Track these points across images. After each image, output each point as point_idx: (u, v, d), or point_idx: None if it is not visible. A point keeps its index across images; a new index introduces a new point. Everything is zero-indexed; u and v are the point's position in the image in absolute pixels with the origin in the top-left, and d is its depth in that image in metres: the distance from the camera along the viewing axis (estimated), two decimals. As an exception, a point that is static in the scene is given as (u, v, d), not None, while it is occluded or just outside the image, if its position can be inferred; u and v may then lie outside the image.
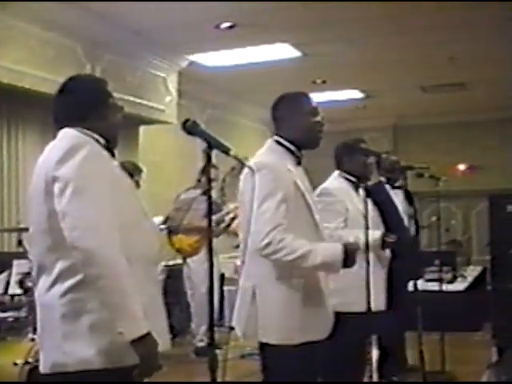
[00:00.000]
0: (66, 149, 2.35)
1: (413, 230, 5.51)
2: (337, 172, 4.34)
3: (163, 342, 2.43)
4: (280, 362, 3.19)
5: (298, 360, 3.14)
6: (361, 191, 4.05)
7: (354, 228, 3.97)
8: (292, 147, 3.29)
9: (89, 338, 2.29)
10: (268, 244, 3.03)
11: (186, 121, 2.24)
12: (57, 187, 2.30)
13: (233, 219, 7.12)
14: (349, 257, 3.12)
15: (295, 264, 3.07)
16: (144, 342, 2.24)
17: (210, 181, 2.23)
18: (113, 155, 2.57)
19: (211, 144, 2.18)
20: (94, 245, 2.22)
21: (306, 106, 3.34)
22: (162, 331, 2.50)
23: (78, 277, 2.30)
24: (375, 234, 4.00)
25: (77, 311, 2.30)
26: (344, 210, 4.04)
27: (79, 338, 2.29)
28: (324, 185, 4.15)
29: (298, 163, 3.32)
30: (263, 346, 3.25)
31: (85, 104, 2.55)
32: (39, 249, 2.39)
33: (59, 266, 2.34)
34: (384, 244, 4.05)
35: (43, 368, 2.38)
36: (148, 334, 2.25)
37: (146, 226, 2.53)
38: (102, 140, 2.53)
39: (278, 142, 3.30)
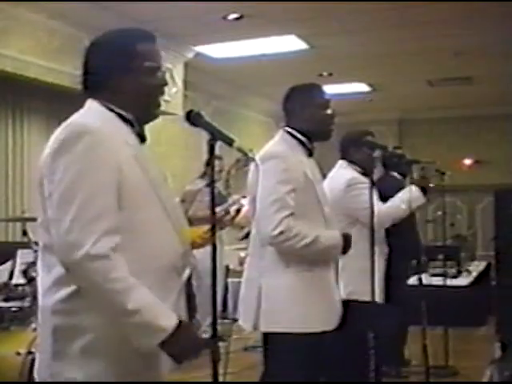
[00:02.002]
0: (60, 140, 2.00)
1: None
2: (341, 161, 4.35)
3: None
4: (284, 351, 3.21)
5: (302, 350, 3.16)
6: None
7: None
8: (303, 138, 3.31)
9: (79, 362, 2.01)
10: (282, 232, 3.06)
11: (190, 112, 2.22)
12: (46, 187, 2.01)
13: (238, 211, 7.12)
14: (346, 243, 3.26)
15: (305, 250, 3.12)
16: (170, 342, 1.97)
17: (213, 173, 2.20)
18: (140, 137, 2.20)
19: (215, 135, 2.13)
20: (74, 261, 1.91)
21: (317, 98, 3.37)
22: None
23: (74, 286, 2.02)
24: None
25: (69, 328, 2.03)
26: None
27: (69, 360, 2.02)
28: (347, 176, 4.17)
29: (309, 155, 3.34)
30: (267, 336, 3.28)
31: (99, 70, 2.19)
32: (41, 242, 2.11)
33: (58, 269, 2.02)
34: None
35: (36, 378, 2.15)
36: (174, 333, 1.97)
37: (167, 229, 2.14)
38: (129, 116, 2.17)
39: (290, 133, 3.32)
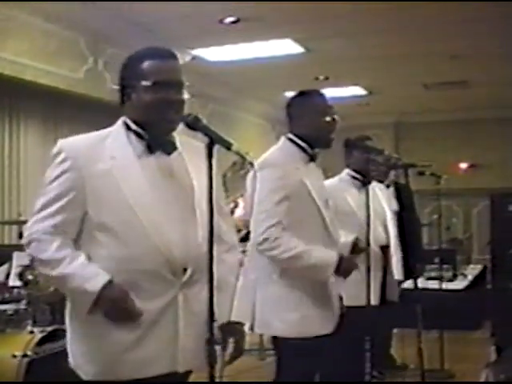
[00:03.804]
0: (51, 154, 2.36)
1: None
2: (345, 171, 4.39)
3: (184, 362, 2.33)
4: (283, 354, 3.25)
5: (300, 353, 3.17)
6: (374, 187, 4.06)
7: (347, 224, 3.97)
8: (304, 145, 3.32)
9: (76, 342, 2.35)
10: (265, 240, 3.10)
11: (188, 115, 2.23)
12: None
13: (232, 212, 7.11)
14: (342, 267, 3.21)
15: (289, 262, 3.12)
16: (100, 303, 2.22)
17: (212, 176, 2.19)
18: (150, 147, 2.34)
19: (213, 139, 2.15)
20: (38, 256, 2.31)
21: (319, 104, 3.38)
22: (181, 353, 2.32)
23: None
24: (348, 238, 3.83)
25: (69, 317, 2.40)
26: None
27: (71, 339, 2.38)
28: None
29: (311, 160, 3.34)
30: (274, 338, 3.31)
31: (121, 85, 2.42)
32: None
33: None
34: (353, 250, 3.81)
35: None
36: (100, 295, 2.21)
37: (143, 236, 2.26)
38: (139, 129, 2.36)
39: (291, 140, 3.35)
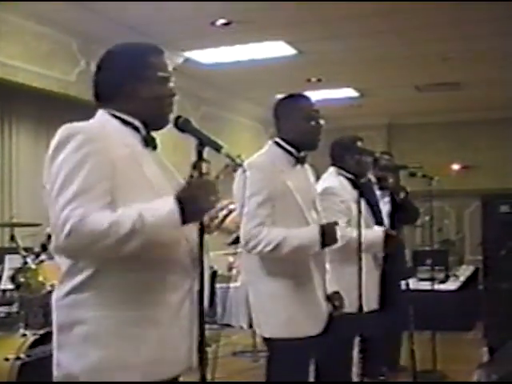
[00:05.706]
0: (54, 144, 2.10)
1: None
2: (332, 168, 4.35)
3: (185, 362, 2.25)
4: (273, 355, 3.25)
5: (290, 354, 3.18)
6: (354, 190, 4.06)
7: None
8: (290, 148, 3.35)
9: (77, 351, 2.11)
10: (248, 241, 3.16)
11: (178, 118, 2.24)
12: (48, 188, 2.09)
13: (226, 216, 7.11)
14: (326, 235, 3.21)
15: (274, 253, 3.15)
16: (186, 212, 2.07)
17: (201, 178, 2.20)
18: (147, 142, 2.29)
19: (203, 141, 2.17)
20: (65, 236, 1.99)
21: (305, 108, 3.40)
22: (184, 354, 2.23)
23: (78, 278, 2.13)
24: (377, 231, 4.03)
25: (70, 320, 2.14)
26: (347, 211, 4.04)
27: (68, 349, 2.14)
28: (326, 183, 4.16)
29: (297, 163, 3.37)
30: (265, 339, 3.32)
31: (112, 79, 2.29)
32: (52, 245, 2.19)
33: (62, 268, 2.17)
34: (387, 242, 4.00)
35: None
36: (181, 201, 2.06)
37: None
38: (135, 122, 2.28)
39: (277, 144, 3.37)
